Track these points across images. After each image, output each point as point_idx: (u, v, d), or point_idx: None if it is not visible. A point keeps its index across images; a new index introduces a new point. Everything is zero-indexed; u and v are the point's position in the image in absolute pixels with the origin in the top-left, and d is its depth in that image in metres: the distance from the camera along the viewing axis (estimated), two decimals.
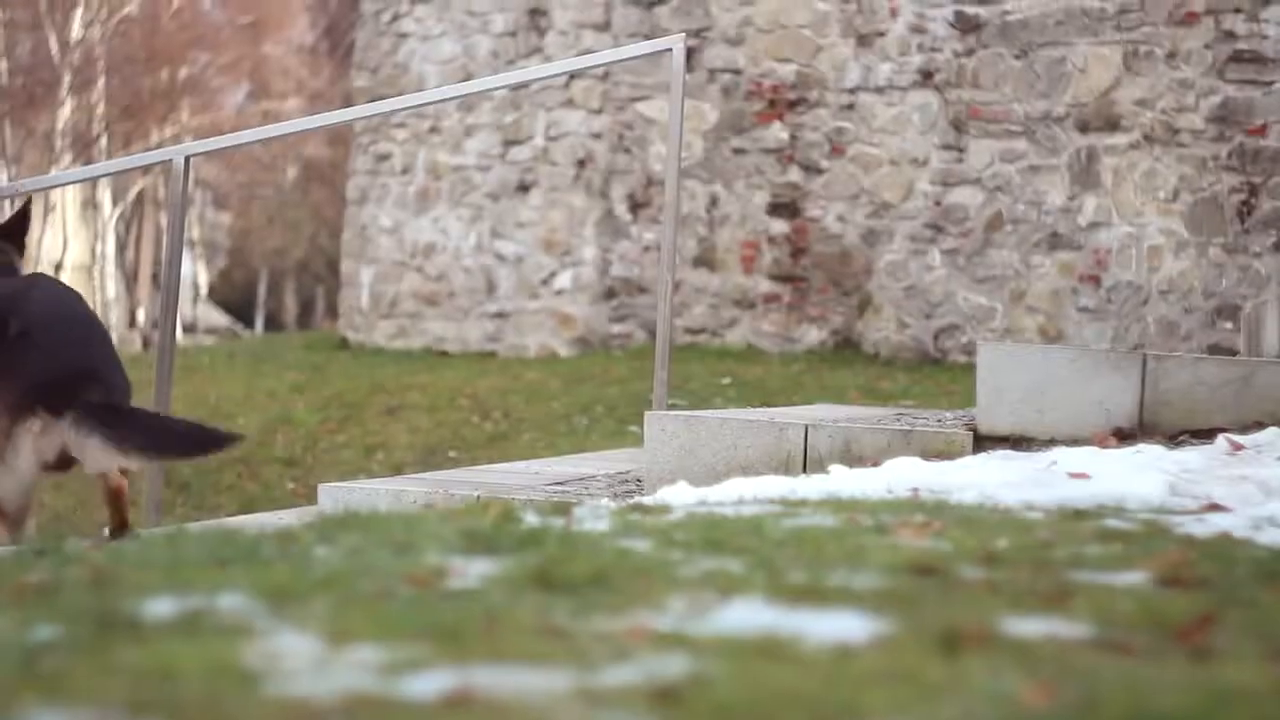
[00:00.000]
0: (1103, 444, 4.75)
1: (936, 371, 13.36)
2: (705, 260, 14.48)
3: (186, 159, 6.87)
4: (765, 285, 14.39)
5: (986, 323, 13.58)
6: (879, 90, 13.97)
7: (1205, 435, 4.85)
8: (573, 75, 14.86)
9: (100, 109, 32.04)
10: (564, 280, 15.08)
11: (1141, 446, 4.53)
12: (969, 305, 13.66)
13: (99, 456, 5.14)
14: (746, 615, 2.23)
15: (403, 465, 12.14)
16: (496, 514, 3.18)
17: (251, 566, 2.53)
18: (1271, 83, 12.56)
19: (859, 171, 14.07)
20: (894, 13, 13.90)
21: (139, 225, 39.40)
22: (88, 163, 29.08)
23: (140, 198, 37.63)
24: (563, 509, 3.33)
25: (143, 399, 15.25)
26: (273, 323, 43.92)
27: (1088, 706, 1.82)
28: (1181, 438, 4.91)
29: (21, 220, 5.83)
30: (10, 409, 5.15)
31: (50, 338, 5.22)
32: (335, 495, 5.53)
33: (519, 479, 5.94)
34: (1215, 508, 3.56)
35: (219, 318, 44.57)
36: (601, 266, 14.94)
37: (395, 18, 16.24)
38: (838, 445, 5.14)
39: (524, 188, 15.29)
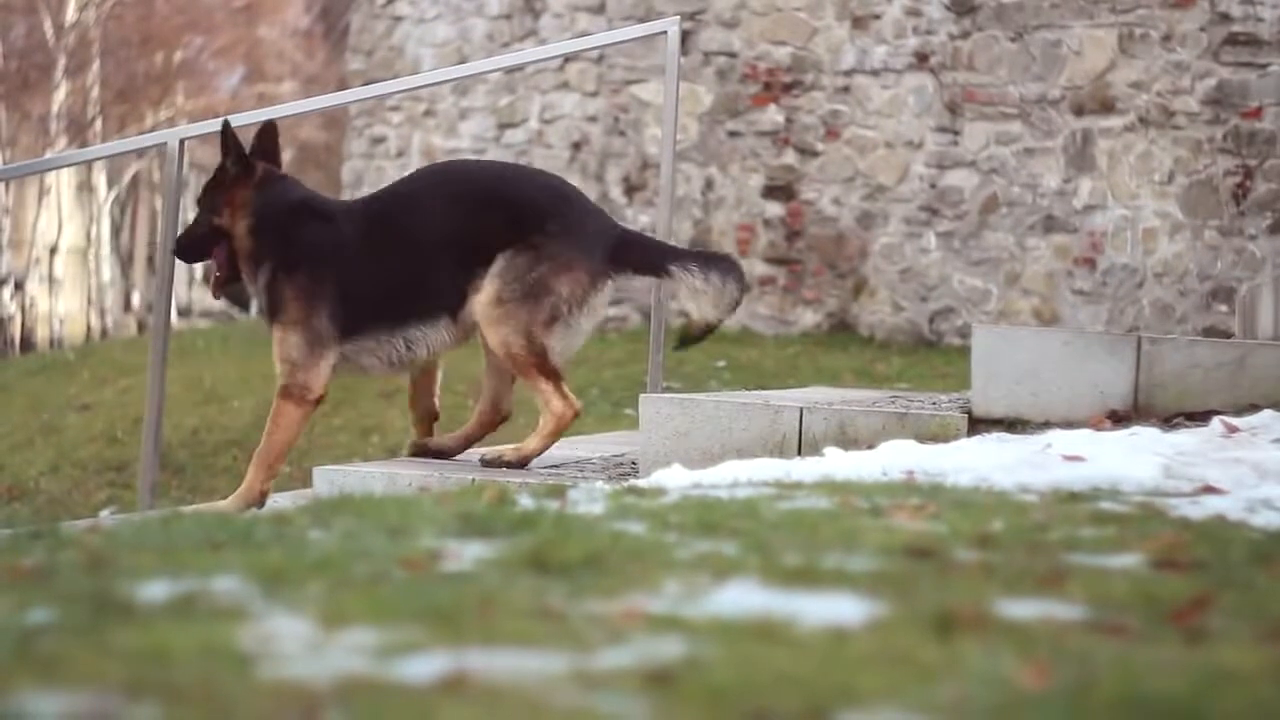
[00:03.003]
0: (1097, 427, 4.75)
1: (931, 354, 13.36)
2: (700, 243, 14.47)
3: (181, 142, 6.86)
4: (760, 268, 14.38)
5: (981, 305, 13.58)
6: (874, 73, 13.96)
7: (1200, 418, 4.85)
8: (568, 58, 14.84)
9: (95, 92, 32.00)
10: None
11: (1136, 429, 4.53)
12: (964, 288, 13.66)
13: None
14: (741, 598, 2.23)
15: (398, 448, 12.13)
16: (491, 497, 3.18)
17: (246, 549, 2.53)
18: (1267, 65, 12.55)
19: (854, 154, 14.06)
20: None
21: (134, 208, 39.35)
22: (82, 146, 29.03)
23: (135, 181, 37.60)
24: (557, 492, 3.33)
25: (137, 382, 15.14)
26: None
27: (1082, 688, 1.82)
28: (1176, 420, 4.91)
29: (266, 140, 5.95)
30: (592, 274, 5.45)
31: (595, 216, 5.64)
32: (330, 478, 5.53)
33: None
34: (1210, 490, 3.56)
35: (214, 301, 44.50)
36: None
37: (390, 1, 16.22)
38: (833, 428, 5.14)
39: None
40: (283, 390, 5.55)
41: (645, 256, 5.57)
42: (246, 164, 5.76)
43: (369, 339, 5.57)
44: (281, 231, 5.62)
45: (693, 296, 5.51)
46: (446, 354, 5.84)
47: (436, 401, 5.97)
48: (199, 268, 42.82)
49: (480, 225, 5.46)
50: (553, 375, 5.51)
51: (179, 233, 6.03)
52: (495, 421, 5.90)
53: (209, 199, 5.78)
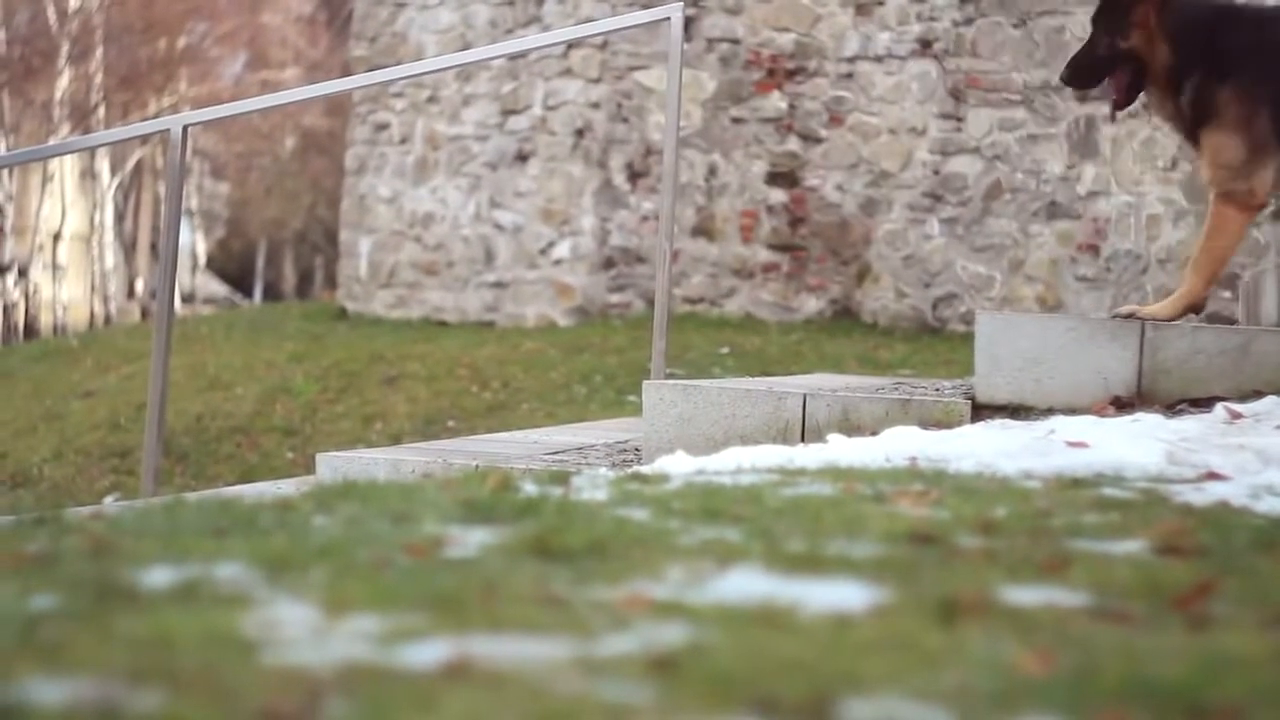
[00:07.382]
0: (1101, 413, 4.75)
1: (935, 340, 13.36)
2: (704, 230, 14.47)
3: (184, 129, 6.85)
4: (764, 255, 14.38)
5: (985, 292, 13.58)
6: (878, 59, 13.95)
7: (1203, 404, 4.85)
8: (571, 44, 14.82)
9: (98, 79, 32.01)
10: (562, 250, 15.06)
11: (1139, 415, 4.53)
12: (967, 274, 13.66)
13: None
14: (744, 584, 2.23)
15: (401, 435, 12.14)
16: (495, 483, 3.18)
17: (250, 536, 2.53)
18: None
19: (858, 141, 14.05)
20: None
21: (137, 195, 39.37)
22: (86, 132, 29.05)
23: (138, 167, 37.60)
24: (561, 478, 3.33)
25: (140, 369, 15.18)
26: (271, 292, 43.87)
27: (1085, 675, 1.82)
28: (1180, 406, 4.90)
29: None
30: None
31: None
32: (334, 465, 5.53)
33: (517, 448, 5.94)
34: (1213, 476, 3.56)
35: (217, 287, 44.57)
36: (600, 236, 14.93)
37: None
38: (836, 414, 5.14)
39: (522, 157, 15.27)
40: (1222, 196, 5.28)
41: None
42: None
43: None
44: (1207, 43, 5.32)
45: None
46: None
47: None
48: (202, 253, 42.86)
49: None
50: None
51: (1072, 58, 5.60)
52: None
53: (1109, 21, 5.43)
